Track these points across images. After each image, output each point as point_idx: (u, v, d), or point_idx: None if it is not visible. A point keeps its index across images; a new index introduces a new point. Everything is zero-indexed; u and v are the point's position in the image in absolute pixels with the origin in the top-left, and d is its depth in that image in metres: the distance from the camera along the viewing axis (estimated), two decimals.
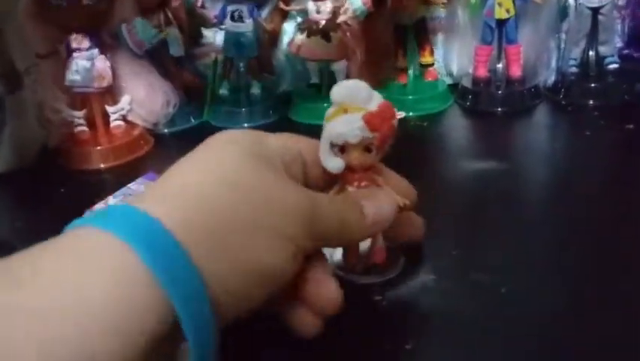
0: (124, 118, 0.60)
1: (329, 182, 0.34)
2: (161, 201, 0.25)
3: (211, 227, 0.24)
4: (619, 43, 0.63)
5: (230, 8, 0.62)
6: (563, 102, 0.59)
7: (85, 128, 0.59)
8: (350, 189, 0.33)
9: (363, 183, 0.33)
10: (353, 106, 0.31)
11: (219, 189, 0.26)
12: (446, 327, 0.31)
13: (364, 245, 0.36)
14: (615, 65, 0.60)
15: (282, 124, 0.64)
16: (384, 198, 0.32)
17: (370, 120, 0.30)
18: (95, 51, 0.56)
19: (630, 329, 0.30)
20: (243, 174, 0.27)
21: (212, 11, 0.66)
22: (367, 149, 0.32)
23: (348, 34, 0.63)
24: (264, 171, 0.28)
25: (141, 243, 0.22)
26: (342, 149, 0.32)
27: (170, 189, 0.26)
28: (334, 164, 0.32)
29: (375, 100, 0.32)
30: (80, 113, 0.59)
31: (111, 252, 0.22)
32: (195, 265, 0.23)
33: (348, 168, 0.32)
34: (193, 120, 0.66)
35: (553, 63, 0.61)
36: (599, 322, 0.30)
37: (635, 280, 0.33)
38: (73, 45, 0.56)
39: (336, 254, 0.37)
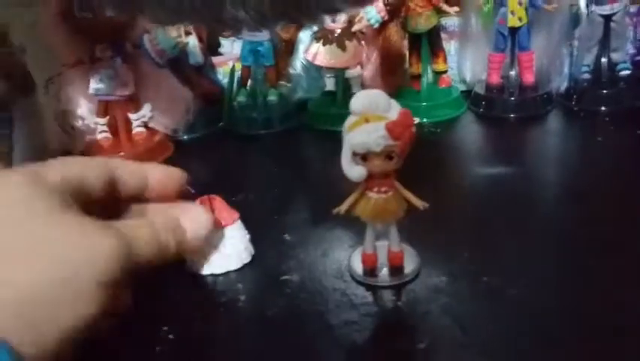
0: (145, 125, 0.62)
1: (109, 191, 0.33)
2: None
3: (35, 301, 0.24)
4: (631, 50, 0.64)
5: None
6: (576, 108, 0.60)
7: (108, 134, 0.61)
8: (370, 194, 0.35)
9: (383, 189, 0.34)
10: (374, 115, 0.32)
11: (19, 256, 0.25)
12: (458, 327, 0.32)
13: (382, 247, 0.38)
14: (627, 72, 0.60)
15: (298, 131, 0.65)
16: (201, 214, 0.33)
17: (393, 129, 0.31)
18: (118, 60, 0.58)
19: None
20: (47, 233, 0.26)
21: None
22: (389, 156, 0.33)
23: (362, 42, 0.64)
24: (66, 223, 0.27)
25: None
26: (363, 157, 0.33)
27: None
28: (356, 173, 0.33)
29: (394, 108, 0.33)
30: (103, 120, 0.60)
31: None
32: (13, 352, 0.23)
33: (369, 175, 0.34)
34: (211, 127, 0.67)
35: (566, 70, 0.62)
36: (611, 325, 0.31)
37: None
38: (98, 55, 0.57)
39: (354, 259, 0.39)
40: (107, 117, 0.61)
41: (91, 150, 0.61)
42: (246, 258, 0.40)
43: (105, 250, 0.27)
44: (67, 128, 0.62)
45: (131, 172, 0.35)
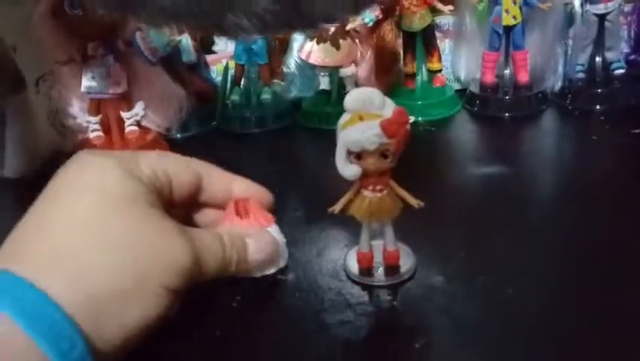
0: (138, 123, 0.61)
1: (191, 201, 0.35)
2: (44, 268, 0.25)
3: (101, 297, 0.25)
4: (625, 49, 0.64)
5: None
6: (570, 107, 0.60)
7: (100, 133, 0.60)
8: (365, 193, 0.34)
9: (378, 187, 0.34)
10: (368, 113, 0.32)
11: (100, 250, 0.26)
12: (454, 327, 0.32)
13: (378, 246, 0.37)
14: (622, 71, 0.60)
15: (292, 129, 0.65)
16: (266, 238, 0.34)
17: (387, 127, 0.31)
18: (111, 58, 0.57)
19: (636, 330, 0.31)
20: (126, 231, 0.27)
21: None
22: (383, 155, 0.32)
23: (357, 41, 0.64)
24: (146, 222, 0.28)
25: (31, 323, 0.23)
26: (357, 155, 0.33)
27: (49, 249, 0.26)
28: (351, 171, 0.33)
29: (389, 106, 0.33)
30: (96, 119, 0.60)
31: (5, 335, 0.23)
32: (82, 334, 0.24)
33: (364, 173, 0.33)
34: (205, 125, 0.67)
35: (560, 69, 0.62)
36: (606, 323, 0.31)
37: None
38: (90, 53, 0.57)
39: (350, 258, 0.38)
40: (99, 116, 0.60)
41: (83, 148, 0.60)
42: (281, 263, 0.37)
43: (179, 257, 0.28)
44: (58, 126, 0.61)
45: (220, 184, 0.36)
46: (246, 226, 0.35)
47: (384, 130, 0.31)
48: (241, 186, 0.36)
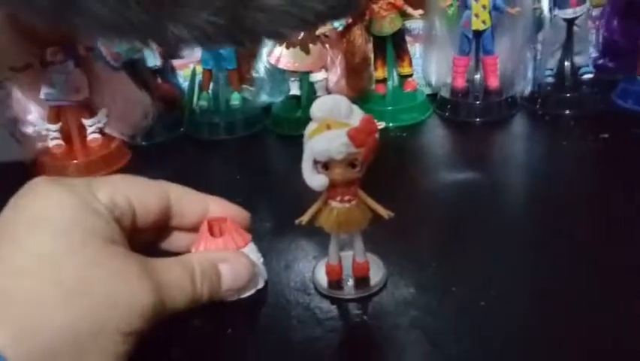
0: (101, 131, 0.59)
1: (161, 226, 0.33)
2: None
3: (56, 348, 0.23)
4: (593, 54, 0.64)
5: None
6: (540, 112, 0.60)
7: (60, 141, 0.58)
8: (333, 204, 0.33)
9: (346, 198, 0.33)
10: (336, 122, 0.31)
11: (54, 297, 0.24)
12: (428, 341, 0.31)
13: (347, 257, 0.36)
14: (590, 75, 0.61)
15: (261, 136, 0.64)
16: (242, 263, 0.33)
17: (355, 136, 0.30)
18: (71, 64, 0.55)
19: (613, 332, 0.30)
20: (83, 275, 0.25)
21: None
22: (351, 164, 0.31)
23: (327, 45, 0.63)
24: (104, 264, 0.26)
25: None
26: (325, 165, 0.32)
27: None
28: (318, 182, 0.32)
29: (356, 114, 0.32)
30: (56, 127, 0.58)
31: None
32: None
33: (332, 184, 0.32)
34: (172, 132, 0.65)
35: (530, 73, 0.62)
36: (582, 331, 0.31)
37: (615, 284, 0.34)
38: (48, 58, 0.55)
39: (318, 271, 0.37)
40: (59, 123, 0.58)
41: (42, 157, 0.58)
42: (259, 283, 0.36)
43: (139, 301, 0.26)
44: (17, 135, 0.59)
45: (193, 207, 0.34)
46: (221, 247, 0.34)
47: (351, 139, 0.30)
48: (217, 208, 0.35)
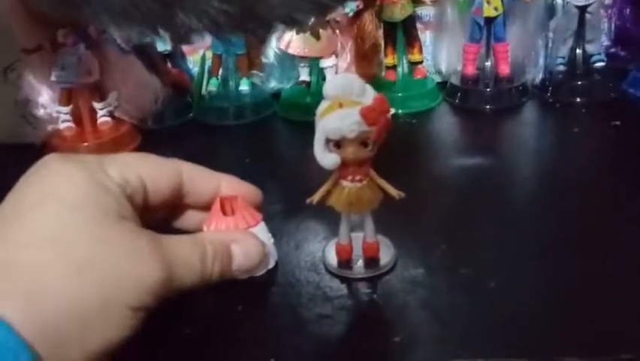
0: (111, 114, 0.59)
1: (173, 204, 0.33)
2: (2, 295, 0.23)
3: (61, 320, 0.23)
4: (605, 42, 0.64)
5: None
6: (551, 100, 0.60)
7: (71, 124, 0.58)
8: (344, 183, 0.33)
9: (357, 177, 0.33)
10: (348, 100, 0.31)
11: (62, 271, 0.24)
12: (436, 321, 0.31)
13: (357, 238, 0.36)
14: (602, 63, 0.60)
15: (270, 121, 0.64)
16: (253, 244, 0.32)
17: (367, 114, 0.30)
18: (82, 46, 0.55)
19: (620, 317, 0.30)
20: (90, 249, 0.25)
21: None
22: (363, 143, 0.31)
23: (337, 31, 0.63)
24: (113, 240, 0.26)
25: None
26: (337, 144, 0.32)
27: (6, 272, 0.24)
28: (330, 160, 0.32)
29: (369, 93, 0.32)
30: (66, 109, 0.58)
31: None
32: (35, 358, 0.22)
33: (343, 163, 0.32)
34: (181, 117, 0.65)
35: (541, 61, 0.61)
36: (589, 313, 0.31)
37: (626, 269, 0.34)
38: (60, 40, 0.55)
39: (329, 251, 0.37)
40: (70, 106, 0.58)
41: (53, 140, 0.58)
42: (270, 263, 0.36)
43: (148, 277, 0.26)
44: (28, 117, 0.59)
45: (206, 185, 0.34)
46: (232, 226, 0.34)
47: (364, 117, 0.30)
48: (229, 185, 0.35)
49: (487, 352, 0.29)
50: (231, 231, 0.34)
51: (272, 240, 0.37)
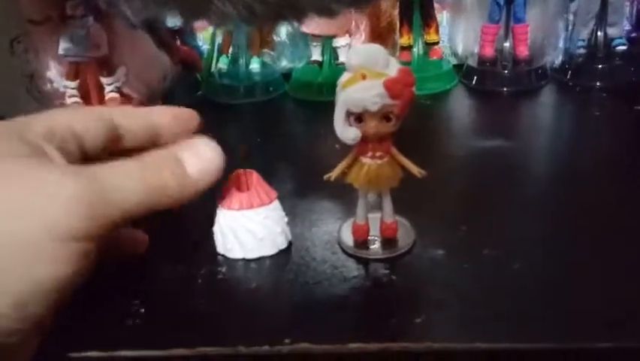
0: (119, 90, 0.58)
1: (115, 149, 0.30)
2: None
3: None
4: (627, 26, 0.62)
5: None
6: (570, 83, 0.58)
7: (78, 99, 0.57)
8: (364, 160, 0.32)
9: (378, 154, 0.32)
10: (371, 71, 0.30)
11: None
12: (456, 302, 0.30)
13: (374, 219, 0.35)
14: (623, 47, 0.59)
15: (281, 101, 0.62)
16: (207, 148, 0.28)
17: (392, 87, 0.29)
18: (90, 19, 0.54)
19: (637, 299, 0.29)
20: None
21: None
22: (386, 117, 0.30)
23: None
24: (15, 171, 0.23)
25: None
26: (358, 118, 0.30)
27: None
28: (350, 134, 0.31)
29: (393, 65, 0.30)
30: (74, 84, 0.56)
31: None
32: None
33: (363, 138, 0.31)
34: (190, 95, 0.64)
35: (561, 44, 0.60)
36: (614, 296, 0.30)
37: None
38: (68, 12, 0.53)
39: (345, 231, 0.36)
40: (78, 81, 0.56)
41: None
42: (282, 243, 0.35)
43: (67, 199, 0.23)
44: (34, 92, 0.58)
45: (137, 122, 0.31)
46: (245, 203, 0.33)
47: (388, 90, 0.29)
48: (161, 115, 0.30)
49: (508, 335, 0.28)
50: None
51: (286, 219, 0.36)
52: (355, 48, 0.31)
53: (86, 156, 0.29)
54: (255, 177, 0.34)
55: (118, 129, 0.31)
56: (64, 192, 0.23)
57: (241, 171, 0.34)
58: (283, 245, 0.35)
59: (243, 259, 0.34)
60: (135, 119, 0.31)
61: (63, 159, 0.27)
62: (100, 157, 0.29)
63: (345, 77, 0.31)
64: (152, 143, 0.31)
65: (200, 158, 0.28)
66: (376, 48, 0.30)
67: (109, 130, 0.30)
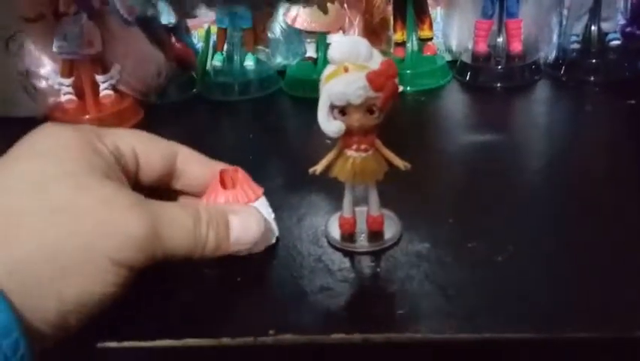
0: (114, 87, 0.58)
1: (164, 185, 0.33)
2: None
3: (34, 264, 0.23)
4: (621, 21, 0.62)
5: None
6: (564, 78, 0.58)
7: (73, 96, 0.57)
8: (349, 153, 0.32)
9: (362, 147, 0.32)
10: (354, 64, 0.30)
11: (37, 216, 0.24)
12: (441, 294, 0.30)
13: (361, 213, 0.35)
14: (617, 42, 0.58)
15: (276, 98, 0.63)
16: (253, 217, 0.31)
17: (374, 79, 0.29)
18: (84, 16, 0.54)
19: (629, 294, 0.29)
20: (70, 197, 0.25)
21: None
22: (369, 110, 0.30)
23: (345, 5, 0.61)
24: (95, 190, 0.25)
25: None
26: (342, 111, 0.30)
27: None
28: (334, 127, 0.31)
29: (376, 58, 0.30)
30: (68, 81, 0.57)
31: None
32: (10, 306, 0.22)
33: (348, 131, 0.31)
34: (185, 92, 0.64)
35: (555, 39, 0.60)
36: (597, 290, 0.30)
37: (633, 249, 0.32)
38: (61, 9, 0.54)
39: (332, 222, 0.36)
40: (72, 78, 0.57)
41: (55, 113, 0.57)
42: (270, 239, 0.35)
43: (128, 228, 0.25)
44: (29, 89, 0.58)
45: (199, 170, 0.33)
46: (231, 199, 0.33)
47: (370, 83, 0.29)
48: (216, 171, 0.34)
49: (491, 326, 0.28)
50: (231, 203, 0.33)
51: (273, 215, 0.36)
52: (337, 41, 0.31)
53: (137, 182, 0.31)
54: (240, 174, 0.34)
55: (176, 170, 0.33)
56: (130, 226, 0.25)
57: (226, 168, 0.34)
58: (272, 241, 0.35)
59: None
60: (196, 168, 0.33)
61: (126, 181, 0.29)
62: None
63: (328, 70, 0.31)
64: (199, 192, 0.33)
65: (245, 228, 0.30)
66: (358, 41, 0.30)
67: (167, 167, 0.32)
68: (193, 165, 0.33)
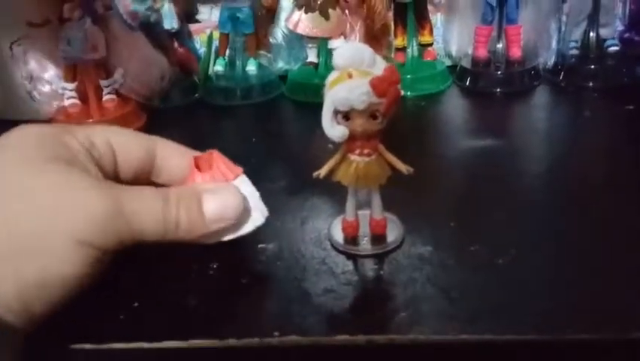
0: (117, 92, 0.59)
1: (144, 179, 0.32)
2: None
3: None
4: (620, 27, 0.62)
5: None
6: (563, 84, 0.59)
7: (76, 100, 0.58)
8: (352, 157, 0.33)
9: (366, 151, 0.32)
10: (357, 70, 0.30)
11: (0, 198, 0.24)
12: (443, 297, 0.30)
13: (364, 216, 0.36)
14: (616, 48, 0.59)
15: (277, 102, 0.63)
16: (230, 193, 0.30)
17: (377, 85, 0.29)
18: (88, 21, 0.55)
19: (630, 296, 0.29)
20: (28, 180, 0.25)
21: None
22: (373, 115, 0.31)
23: (346, 11, 0.62)
24: (55, 173, 0.26)
25: None
26: (345, 116, 0.31)
27: None
28: (337, 132, 0.31)
29: (379, 64, 0.31)
30: (72, 86, 0.57)
31: None
32: None
33: (351, 136, 0.31)
34: (187, 97, 0.65)
35: (554, 44, 0.60)
36: (598, 292, 0.30)
37: (632, 252, 0.33)
38: (66, 14, 0.54)
39: (335, 225, 0.37)
40: (76, 82, 0.57)
41: (58, 117, 0.58)
42: (258, 219, 0.32)
43: (91, 210, 0.25)
44: (33, 94, 0.59)
45: (180, 160, 0.33)
46: (208, 181, 0.31)
47: (374, 88, 0.30)
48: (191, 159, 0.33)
49: (493, 328, 0.28)
50: (207, 182, 0.31)
51: (258, 194, 0.33)
52: (341, 48, 0.31)
53: (116, 175, 0.31)
54: (215, 155, 0.33)
55: (155, 162, 0.32)
56: (90, 204, 0.25)
57: (199, 155, 0.33)
58: (260, 222, 0.32)
59: (232, 252, 0.34)
60: (175, 159, 0.32)
61: (99, 173, 0.29)
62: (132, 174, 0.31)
63: (332, 76, 0.31)
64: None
65: (220, 205, 0.30)
66: (362, 47, 0.31)
67: (147, 163, 0.32)
68: (172, 159, 0.33)
